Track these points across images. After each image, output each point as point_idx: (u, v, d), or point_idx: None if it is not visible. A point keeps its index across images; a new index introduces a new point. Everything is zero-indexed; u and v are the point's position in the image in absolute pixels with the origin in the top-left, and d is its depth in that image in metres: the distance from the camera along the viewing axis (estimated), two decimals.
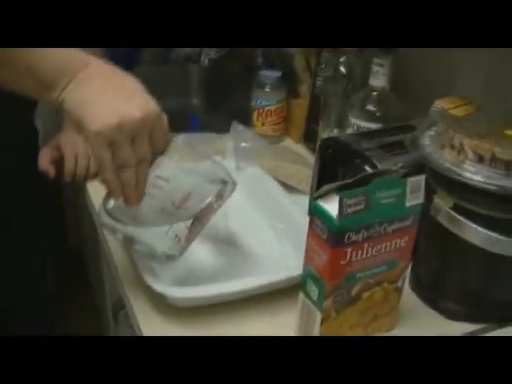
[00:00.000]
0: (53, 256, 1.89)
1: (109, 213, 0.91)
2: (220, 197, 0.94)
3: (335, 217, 0.74)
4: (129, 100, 0.77)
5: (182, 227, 0.90)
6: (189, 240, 0.93)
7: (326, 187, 0.78)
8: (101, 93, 0.76)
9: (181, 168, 0.92)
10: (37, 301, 1.21)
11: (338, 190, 0.76)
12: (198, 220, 0.92)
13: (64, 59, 0.77)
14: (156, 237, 0.91)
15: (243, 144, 1.28)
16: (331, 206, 0.76)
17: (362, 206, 0.75)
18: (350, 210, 0.75)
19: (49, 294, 1.33)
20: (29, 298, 1.16)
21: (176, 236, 0.90)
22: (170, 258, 0.93)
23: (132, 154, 0.78)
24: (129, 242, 0.94)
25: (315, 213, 0.78)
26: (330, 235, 0.76)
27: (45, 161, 1.26)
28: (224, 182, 0.95)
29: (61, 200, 2.11)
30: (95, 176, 1.30)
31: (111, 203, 0.91)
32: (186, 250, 0.93)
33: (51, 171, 1.25)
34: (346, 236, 0.76)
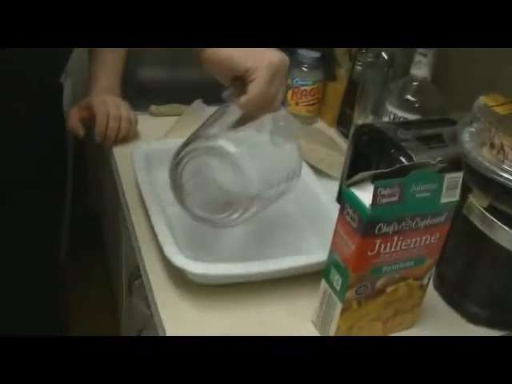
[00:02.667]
0: (71, 221, 1.89)
1: None
2: None
3: (368, 206, 0.72)
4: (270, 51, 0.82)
5: None
6: None
7: (360, 175, 0.75)
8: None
9: None
10: (47, 266, 1.19)
11: (373, 179, 0.74)
12: None
13: None
14: None
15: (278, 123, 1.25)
16: (365, 195, 0.73)
17: (396, 198, 0.73)
18: (383, 201, 0.72)
19: (60, 261, 1.32)
20: (38, 262, 1.15)
21: None
22: None
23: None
24: None
25: (347, 200, 0.75)
26: (360, 224, 0.73)
27: (74, 120, 1.24)
28: None
29: (84, 166, 2.10)
30: (125, 139, 1.28)
31: None
32: None
33: (80, 130, 1.23)
34: (377, 227, 0.74)
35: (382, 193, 0.71)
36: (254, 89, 0.81)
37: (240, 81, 0.83)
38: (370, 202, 0.71)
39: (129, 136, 1.28)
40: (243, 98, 0.82)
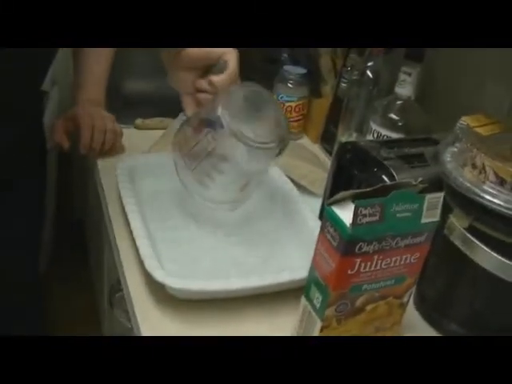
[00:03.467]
0: (55, 227, 1.88)
1: None
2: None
3: (349, 225, 0.72)
4: None
5: None
6: None
7: (341, 194, 0.75)
8: None
9: None
10: (27, 273, 1.19)
11: (354, 198, 0.74)
12: None
13: None
14: None
15: None
16: (346, 214, 0.73)
17: (376, 218, 0.73)
18: (364, 220, 0.72)
19: (39, 270, 1.31)
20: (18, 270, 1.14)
21: None
22: None
23: None
24: None
25: (328, 218, 0.76)
26: (341, 243, 0.74)
27: (60, 132, 1.23)
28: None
29: (69, 172, 2.10)
30: (110, 151, 1.28)
31: None
32: None
33: (65, 143, 1.23)
34: (358, 246, 0.74)
35: (363, 212, 0.72)
36: (232, 64, 0.94)
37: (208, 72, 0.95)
38: (351, 221, 0.72)
39: (114, 148, 1.28)
40: (225, 74, 0.94)
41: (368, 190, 0.75)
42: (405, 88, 1.18)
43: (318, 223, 0.99)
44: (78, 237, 2.25)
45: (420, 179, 0.83)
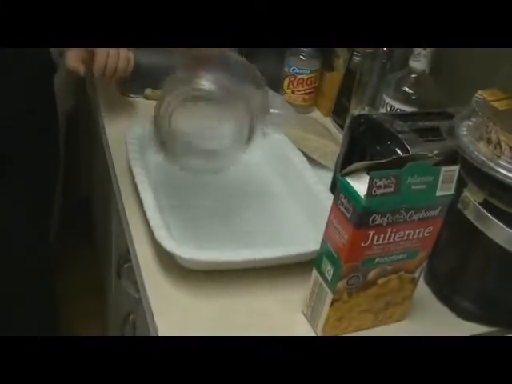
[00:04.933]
0: (62, 203, 1.87)
1: None
2: None
3: (363, 197, 0.71)
4: None
5: None
6: None
7: (355, 165, 0.74)
8: None
9: None
10: (35, 248, 1.19)
11: (369, 170, 0.73)
12: None
13: None
14: None
15: (272, 110, 1.24)
16: (360, 185, 0.72)
17: (391, 189, 0.72)
18: (378, 192, 0.71)
19: (49, 243, 1.31)
20: (27, 246, 1.14)
21: None
22: None
23: None
24: None
25: (342, 190, 0.75)
26: (354, 215, 0.73)
27: (74, 59, 1.22)
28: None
29: (76, 148, 2.09)
30: (122, 76, 1.29)
31: None
32: None
33: (80, 67, 1.22)
34: (371, 218, 0.73)
35: (378, 184, 0.70)
36: None
37: None
38: (365, 193, 0.71)
39: (126, 74, 1.28)
40: None
41: (382, 161, 0.73)
42: (419, 61, 1.16)
43: (329, 196, 0.98)
44: (85, 214, 2.25)
45: (435, 152, 0.82)
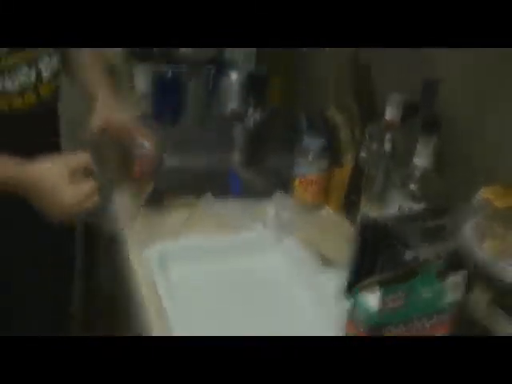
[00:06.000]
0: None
1: None
2: None
3: (375, 312, 0.75)
4: None
5: None
6: None
7: (368, 281, 0.78)
8: None
9: None
10: None
11: (380, 285, 0.77)
12: None
13: None
14: None
15: (285, 215, 1.29)
16: (372, 300, 0.76)
17: (401, 302, 0.76)
18: (389, 305, 0.75)
19: None
20: None
21: None
22: None
23: None
24: None
25: (355, 304, 0.78)
26: (368, 329, 0.76)
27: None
28: None
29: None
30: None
31: None
32: None
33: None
34: (385, 330, 0.76)
35: (389, 298, 0.74)
36: None
37: None
38: (377, 308, 0.74)
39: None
40: None
41: (392, 275, 0.77)
42: (423, 159, 1.20)
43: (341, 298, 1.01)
44: None
45: (442, 260, 0.86)
